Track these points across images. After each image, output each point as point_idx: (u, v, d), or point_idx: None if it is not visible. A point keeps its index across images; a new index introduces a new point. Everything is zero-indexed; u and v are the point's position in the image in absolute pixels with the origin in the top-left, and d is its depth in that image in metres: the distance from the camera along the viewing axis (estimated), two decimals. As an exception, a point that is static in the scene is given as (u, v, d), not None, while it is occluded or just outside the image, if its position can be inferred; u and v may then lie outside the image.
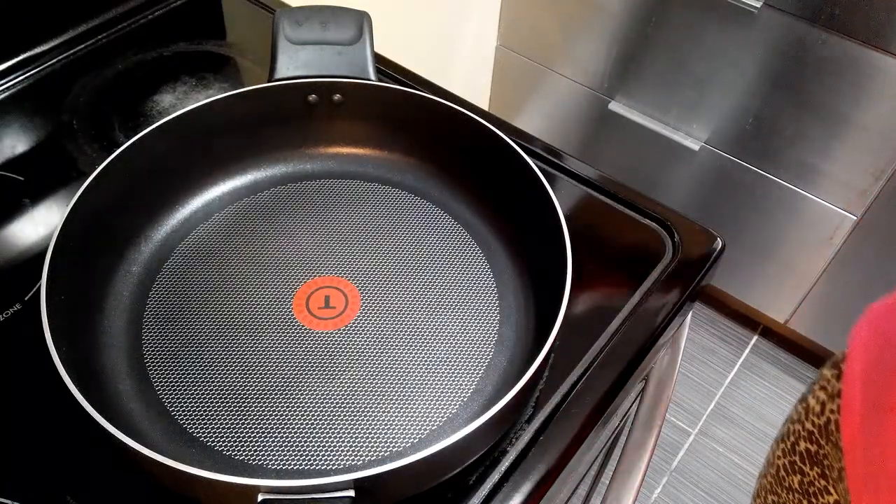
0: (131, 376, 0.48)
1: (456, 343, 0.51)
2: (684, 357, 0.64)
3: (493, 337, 0.51)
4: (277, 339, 0.51)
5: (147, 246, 0.55)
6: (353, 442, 0.46)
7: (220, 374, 0.48)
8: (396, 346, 0.51)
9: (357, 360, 0.50)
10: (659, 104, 1.32)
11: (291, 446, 0.45)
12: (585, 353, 0.51)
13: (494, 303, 0.53)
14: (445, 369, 0.49)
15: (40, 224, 0.57)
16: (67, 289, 0.46)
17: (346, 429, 0.46)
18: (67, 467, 0.45)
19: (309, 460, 0.45)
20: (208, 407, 0.47)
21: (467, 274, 0.55)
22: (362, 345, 0.51)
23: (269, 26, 0.59)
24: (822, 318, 1.40)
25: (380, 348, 0.50)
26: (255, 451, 0.45)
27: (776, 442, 0.62)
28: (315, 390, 0.48)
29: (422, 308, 0.53)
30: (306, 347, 0.50)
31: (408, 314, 0.52)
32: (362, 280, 0.54)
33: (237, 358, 0.49)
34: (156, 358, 0.49)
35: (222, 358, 0.49)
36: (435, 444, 0.38)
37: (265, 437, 0.46)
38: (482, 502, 0.44)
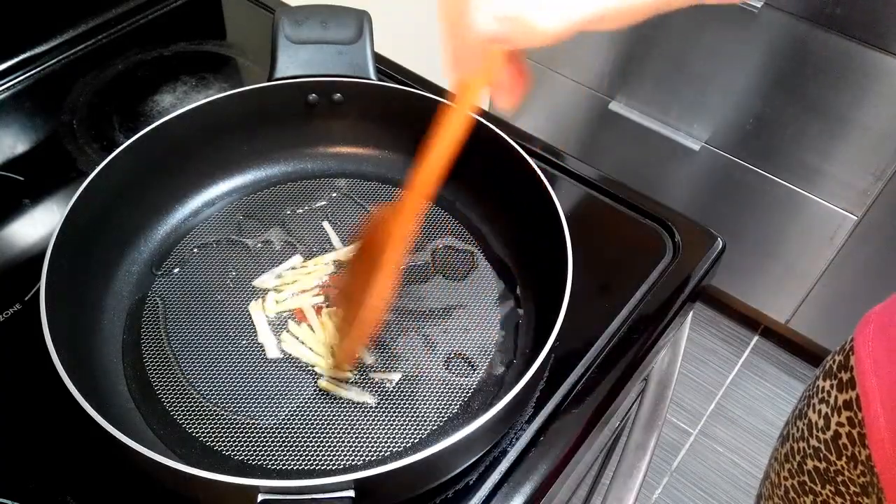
0: (131, 376, 0.48)
1: (456, 343, 0.51)
2: (685, 357, 0.64)
3: (493, 337, 0.51)
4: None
5: (147, 246, 0.55)
6: (353, 442, 0.46)
7: (220, 374, 0.48)
8: (396, 345, 0.51)
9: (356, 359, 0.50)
10: (659, 104, 1.32)
11: (291, 446, 0.45)
12: (585, 353, 0.51)
13: (494, 303, 0.53)
14: (445, 369, 0.49)
15: (40, 224, 0.57)
16: (67, 289, 0.46)
17: (346, 429, 0.46)
18: (67, 467, 0.44)
19: (309, 460, 0.45)
20: (208, 407, 0.47)
21: (468, 274, 0.55)
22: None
23: (269, 26, 0.59)
24: (823, 318, 1.40)
25: (379, 348, 0.50)
26: (255, 451, 0.45)
27: (777, 462, 0.60)
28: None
29: (422, 307, 0.53)
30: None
31: (408, 314, 0.52)
32: (362, 280, 0.54)
33: (237, 358, 0.49)
34: (155, 358, 0.49)
35: (222, 358, 0.49)
36: (435, 444, 0.38)
37: (265, 437, 0.46)
38: (482, 502, 0.44)
